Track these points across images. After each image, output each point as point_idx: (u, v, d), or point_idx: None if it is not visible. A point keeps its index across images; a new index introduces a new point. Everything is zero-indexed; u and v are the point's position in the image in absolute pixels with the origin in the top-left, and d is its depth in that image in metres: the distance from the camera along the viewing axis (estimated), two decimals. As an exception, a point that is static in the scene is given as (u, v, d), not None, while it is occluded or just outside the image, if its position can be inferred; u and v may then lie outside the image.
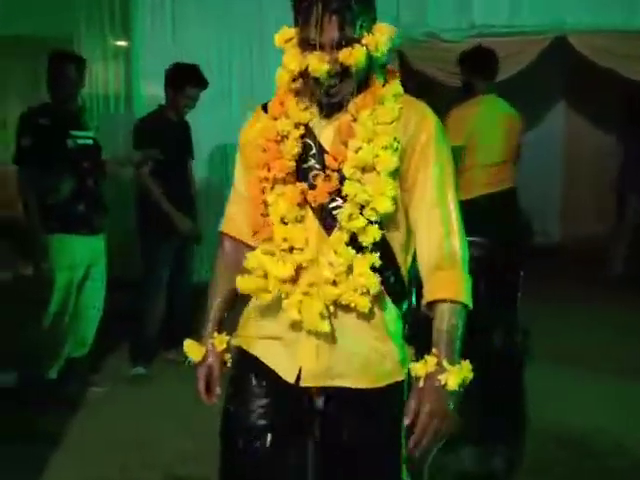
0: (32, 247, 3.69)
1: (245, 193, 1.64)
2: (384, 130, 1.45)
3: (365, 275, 1.43)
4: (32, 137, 3.58)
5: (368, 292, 1.43)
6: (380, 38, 1.42)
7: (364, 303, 1.44)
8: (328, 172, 1.47)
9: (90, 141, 3.80)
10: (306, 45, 1.41)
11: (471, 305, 1.46)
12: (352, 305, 1.45)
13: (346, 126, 1.47)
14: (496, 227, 3.79)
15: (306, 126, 1.51)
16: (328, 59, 1.39)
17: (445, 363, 1.38)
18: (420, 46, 5.54)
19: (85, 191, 3.73)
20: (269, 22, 5.57)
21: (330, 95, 1.45)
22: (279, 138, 1.50)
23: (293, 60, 1.44)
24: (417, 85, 6.17)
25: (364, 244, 1.44)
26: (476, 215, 4.09)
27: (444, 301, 1.44)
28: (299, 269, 1.48)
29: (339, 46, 1.39)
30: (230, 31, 6.03)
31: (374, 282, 1.43)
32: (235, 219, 1.69)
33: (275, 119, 1.52)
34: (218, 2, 5.70)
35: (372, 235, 1.44)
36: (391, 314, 1.54)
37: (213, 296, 1.72)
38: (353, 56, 1.39)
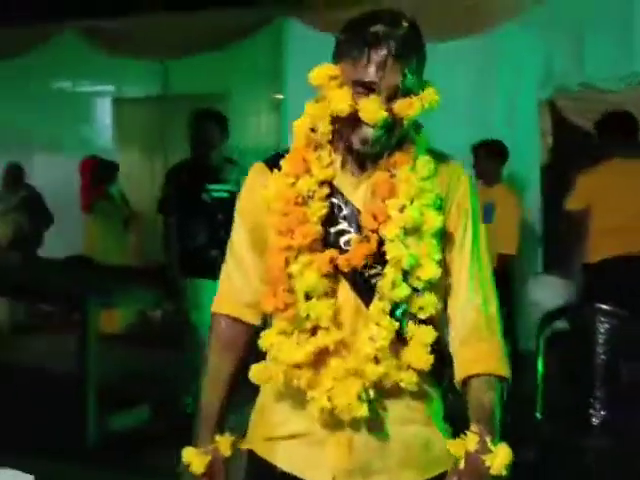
0: (172, 289, 3.91)
1: (248, 259, 1.43)
2: (425, 187, 1.31)
3: (417, 350, 1.27)
4: (172, 190, 3.91)
5: (421, 370, 1.28)
6: (433, 93, 1.30)
7: (413, 381, 1.27)
8: (366, 233, 1.30)
9: (226, 194, 3.97)
10: (359, 88, 1.27)
11: (511, 379, 1.32)
12: (402, 385, 1.27)
13: (386, 183, 1.32)
14: (630, 294, 3.59)
15: (330, 184, 1.34)
16: (385, 107, 1.26)
17: (489, 442, 1.20)
18: (575, 96, 5.24)
19: (219, 241, 3.90)
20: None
21: (373, 146, 1.30)
22: (300, 200, 1.32)
23: (343, 101, 1.26)
24: (571, 138, 5.86)
25: (419, 316, 1.29)
26: (605, 280, 3.95)
27: (483, 374, 1.29)
28: (324, 352, 1.28)
29: (395, 95, 1.27)
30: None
31: (427, 357, 1.27)
32: (233, 292, 1.46)
33: (295, 177, 1.33)
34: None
35: (427, 305, 1.28)
36: (433, 392, 1.36)
37: (209, 387, 1.46)
38: (412, 107, 1.26)
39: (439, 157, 1.39)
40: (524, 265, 5.25)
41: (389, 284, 1.26)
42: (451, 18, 4.94)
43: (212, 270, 3.82)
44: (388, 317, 1.27)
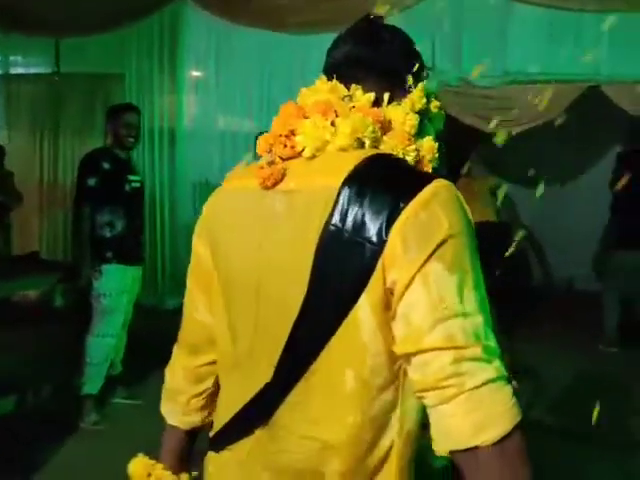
0: (81, 275, 3.96)
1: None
2: None
3: None
4: (96, 179, 3.90)
5: None
6: None
7: None
8: None
9: (139, 184, 4.16)
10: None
11: None
12: None
13: None
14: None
15: None
16: None
17: None
18: (455, 92, 5.63)
19: (133, 227, 4.09)
20: (311, 68, 5.80)
21: None
22: None
23: None
24: (452, 131, 6.27)
25: None
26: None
27: None
28: None
29: None
30: (271, 73, 6.29)
31: None
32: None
33: None
34: (260, 46, 5.95)
35: None
36: None
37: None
38: None
39: None
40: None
41: None
42: (331, 10, 5.18)
43: (129, 256, 4.02)
44: None
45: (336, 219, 0.98)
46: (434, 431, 0.95)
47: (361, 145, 1.06)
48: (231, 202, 1.15)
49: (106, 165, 3.94)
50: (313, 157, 1.06)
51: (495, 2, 5.31)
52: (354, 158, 1.01)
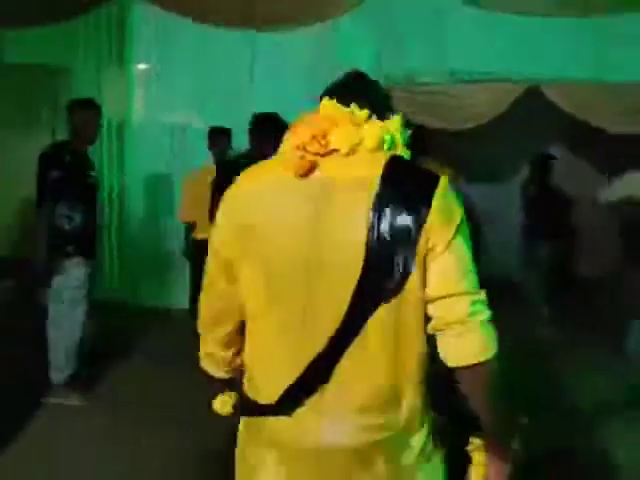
0: (39, 270, 3.96)
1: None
2: None
3: None
4: (59, 172, 3.92)
5: None
6: None
7: None
8: None
9: (94, 180, 4.22)
10: None
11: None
12: None
13: None
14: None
15: None
16: None
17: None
18: (400, 88, 5.71)
19: (90, 221, 4.12)
20: (258, 63, 5.85)
21: None
22: None
23: None
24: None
25: None
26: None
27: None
28: None
29: None
30: (219, 66, 6.28)
31: None
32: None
33: None
34: (208, 39, 5.94)
35: None
36: None
37: None
38: None
39: None
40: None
41: None
42: (281, 6, 5.21)
43: (86, 250, 4.06)
44: None
45: (381, 201, 1.32)
46: (449, 352, 1.34)
47: (382, 148, 1.41)
48: (264, 192, 1.39)
49: (68, 158, 3.97)
50: (348, 155, 1.38)
51: (439, 2, 5.43)
52: (383, 157, 1.38)
